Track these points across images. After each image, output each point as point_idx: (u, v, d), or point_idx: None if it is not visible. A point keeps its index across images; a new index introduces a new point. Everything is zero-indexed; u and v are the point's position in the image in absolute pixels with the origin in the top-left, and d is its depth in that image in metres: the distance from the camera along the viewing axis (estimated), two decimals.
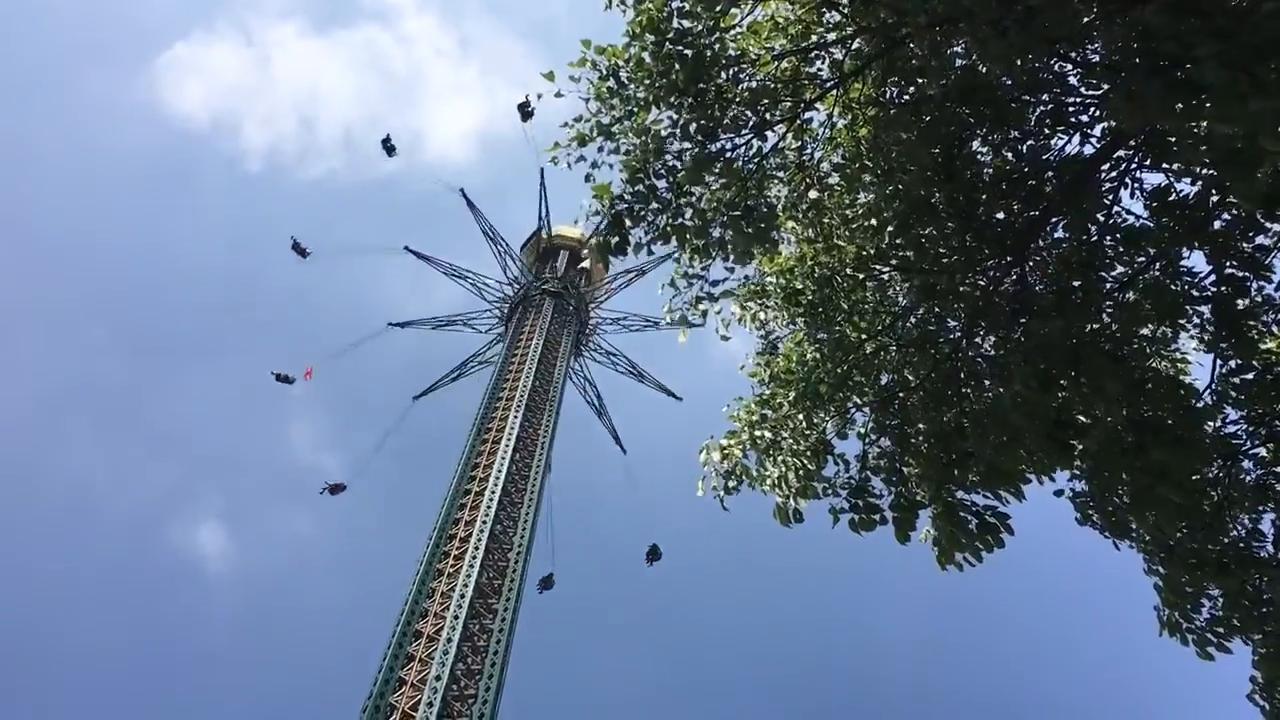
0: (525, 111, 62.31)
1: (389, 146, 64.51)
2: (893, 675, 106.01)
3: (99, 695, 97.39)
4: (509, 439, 42.77)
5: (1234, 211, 9.43)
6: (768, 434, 10.30)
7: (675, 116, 9.20)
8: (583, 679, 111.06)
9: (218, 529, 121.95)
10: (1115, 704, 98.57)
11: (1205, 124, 7.14)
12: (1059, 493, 10.26)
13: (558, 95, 9.32)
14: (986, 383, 10.30)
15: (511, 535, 39.12)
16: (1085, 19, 8.23)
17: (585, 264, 61.74)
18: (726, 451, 10.36)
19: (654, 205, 9.30)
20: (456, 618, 33.91)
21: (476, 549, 36.78)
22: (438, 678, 31.52)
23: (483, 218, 65.53)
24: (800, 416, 10.31)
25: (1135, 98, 7.00)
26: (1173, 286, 9.75)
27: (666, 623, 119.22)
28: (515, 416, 44.19)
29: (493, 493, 39.53)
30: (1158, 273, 10.05)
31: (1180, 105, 6.69)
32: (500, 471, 40.74)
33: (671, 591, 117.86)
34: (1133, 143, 10.05)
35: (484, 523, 37.94)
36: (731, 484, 10.33)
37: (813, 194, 10.34)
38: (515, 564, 37.71)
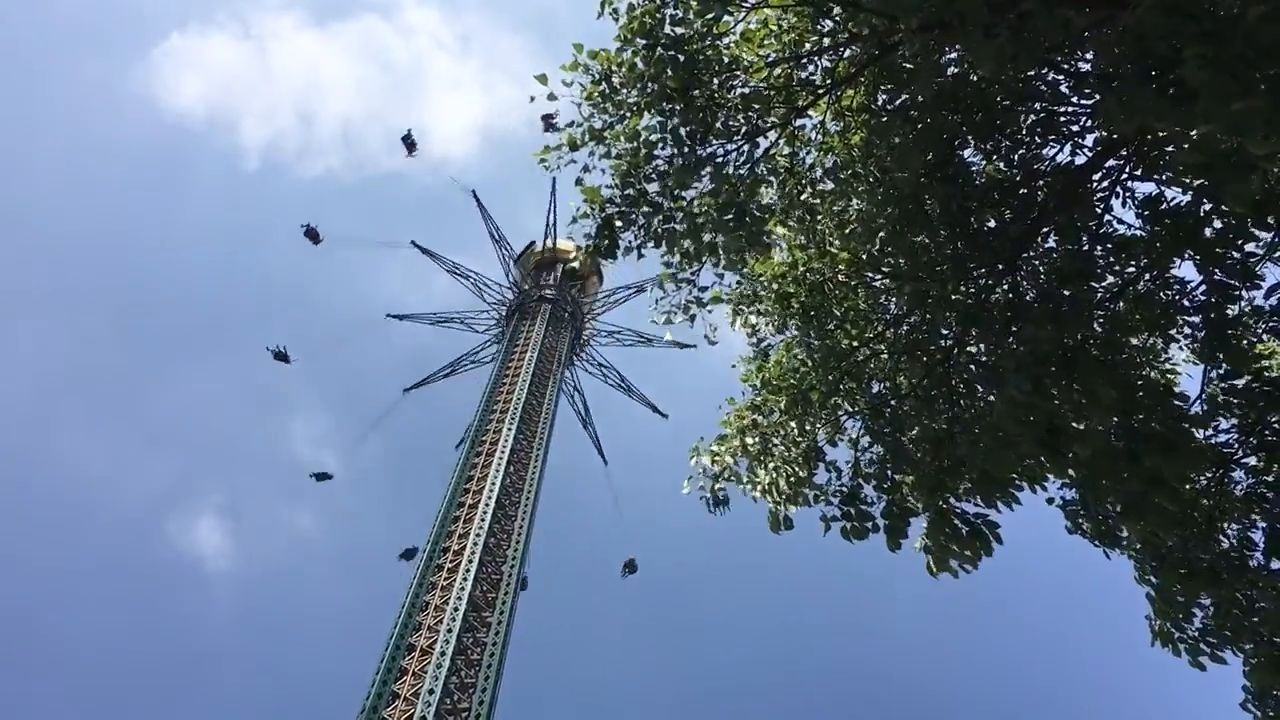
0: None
1: (409, 142, 62.60)
2: (897, 677, 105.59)
3: (93, 692, 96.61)
4: (503, 451, 42.69)
5: (1224, 220, 9.45)
6: (759, 439, 10.27)
7: (667, 121, 9.20)
8: (583, 686, 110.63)
9: (216, 524, 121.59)
10: (1116, 709, 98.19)
11: (1196, 130, 7.17)
12: (1050, 500, 10.25)
13: (550, 98, 9.29)
14: (979, 389, 10.29)
15: (505, 548, 38.99)
16: (1077, 27, 8.28)
17: (575, 263, 61.79)
18: (717, 456, 10.33)
19: (644, 209, 9.30)
20: (450, 631, 33.77)
21: (470, 562, 36.67)
22: (431, 691, 31.37)
23: (491, 221, 65.99)
24: (792, 423, 10.28)
25: (1127, 102, 7.04)
26: (1163, 296, 9.76)
27: (668, 628, 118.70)
28: (509, 429, 44.11)
29: (486, 505, 39.45)
30: (1148, 282, 10.07)
31: (1171, 109, 6.72)
32: (494, 484, 40.64)
33: (673, 596, 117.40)
34: (1124, 152, 10.09)
35: (478, 535, 37.83)
36: (719, 488, 10.30)
37: (805, 197, 10.34)
38: (509, 576, 37.59)
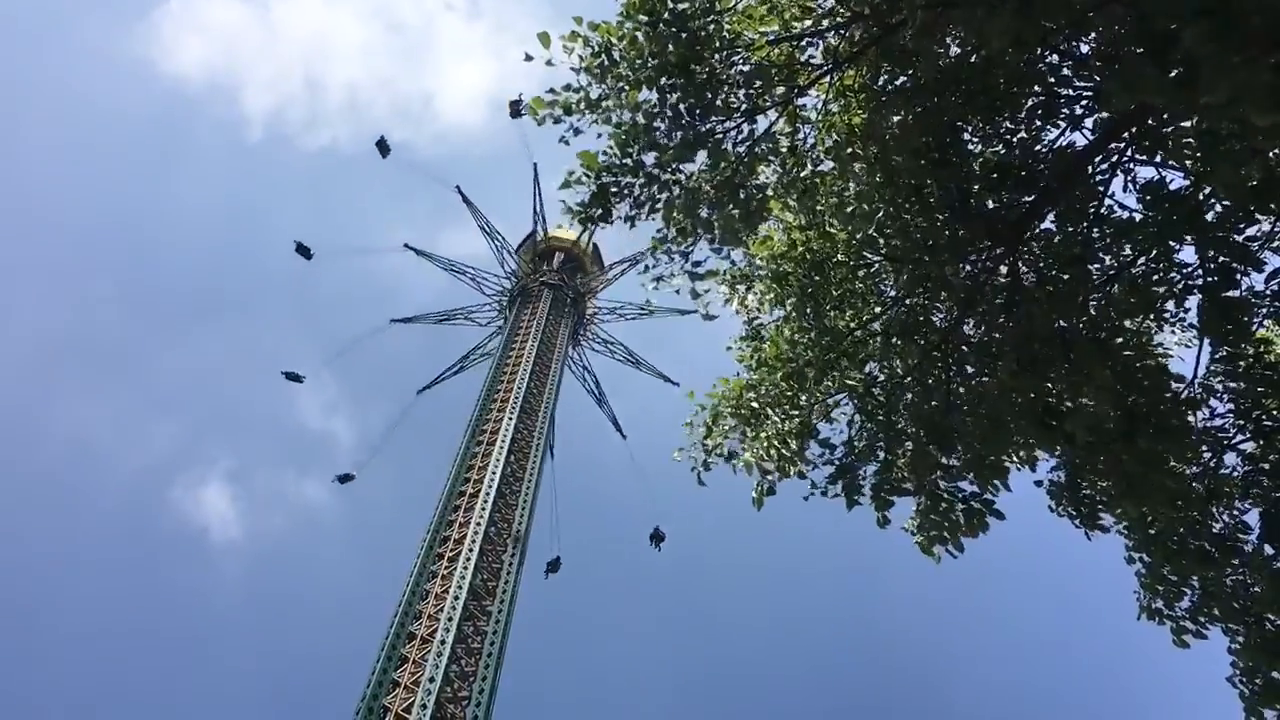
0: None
1: (384, 148, 63.16)
2: (904, 671, 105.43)
3: (93, 664, 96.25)
4: (504, 440, 42.73)
5: (1225, 204, 9.46)
6: (754, 405, 10.30)
7: (666, 96, 9.16)
8: (584, 676, 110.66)
9: (221, 492, 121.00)
10: (1118, 693, 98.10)
11: (1198, 106, 7.15)
12: (1039, 483, 10.31)
13: (549, 64, 9.26)
14: (970, 369, 10.32)
15: (506, 536, 39.08)
16: (1079, 7, 8.27)
17: (571, 236, 61.58)
18: (710, 426, 10.37)
19: (640, 180, 9.28)
20: (450, 619, 33.81)
21: (471, 550, 36.73)
22: (431, 679, 31.41)
23: (480, 215, 65.50)
24: (787, 396, 10.32)
25: (1127, 79, 7.04)
26: (1161, 278, 9.77)
27: (676, 613, 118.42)
28: (510, 418, 44.12)
29: (487, 494, 39.49)
30: (1146, 266, 10.09)
31: (1172, 87, 6.72)
32: (495, 473, 40.69)
33: (683, 580, 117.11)
34: (1125, 135, 10.09)
35: (478, 524, 37.88)
36: (711, 461, 10.35)
37: (804, 174, 10.30)
38: (510, 565, 37.67)
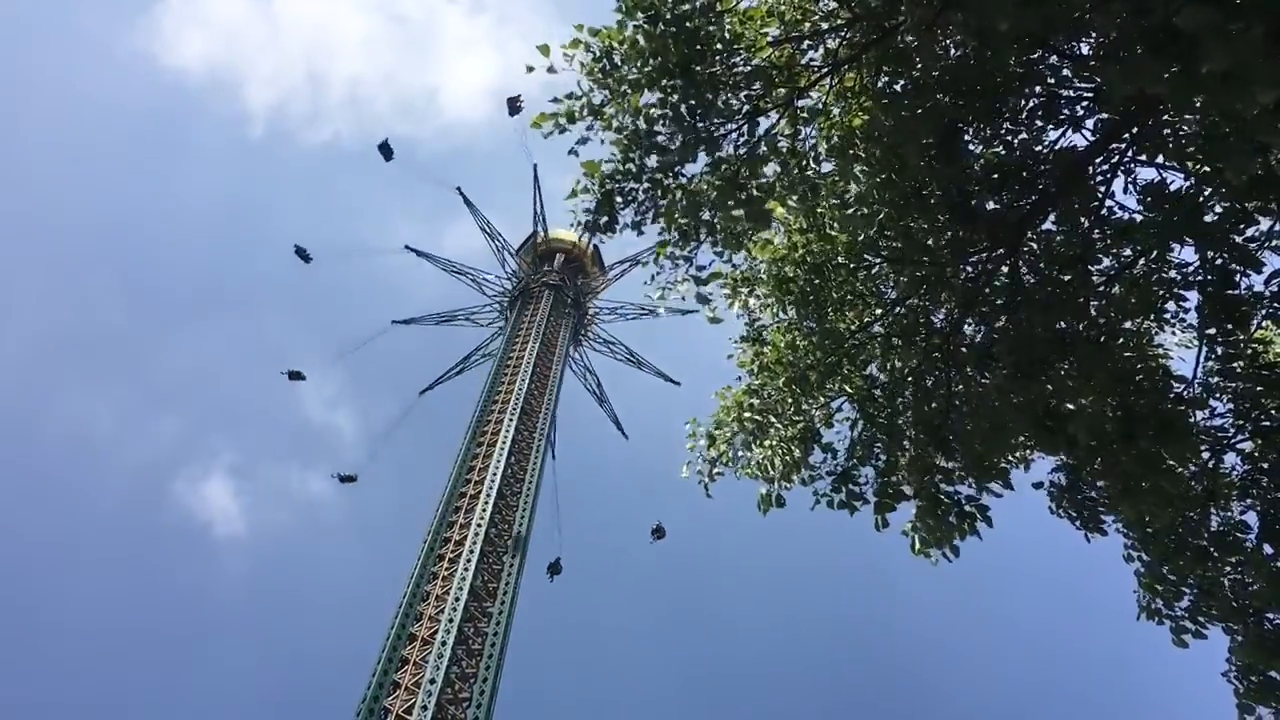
0: (514, 107, 60.89)
1: (387, 151, 62.70)
2: (906, 671, 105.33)
3: (95, 659, 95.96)
4: (504, 441, 42.76)
5: (1225, 205, 9.47)
6: (756, 417, 10.31)
7: (667, 97, 9.16)
8: (585, 678, 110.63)
9: (223, 487, 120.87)
10: (1118, 692, 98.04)
11: (1197, 93, 7.12)
12: (1038, 485, 10.33)
13: (550, 71, 9.27)
14: (970, 371, 10.33)
15: (506, 538, 39.11)
16: (1080, 9, 8.28)
17: (572, 239, 61.72)
18: (714, 436, 10.38)
19: (644, 184, 9.28)
20: (451, 621, 33.86)
21: (471, 551, 36.78)
22: (432, 681, 31.47)
23: (480, 215, 65.77)
24: (789, 401, 10.34)
25: (1127, 68, 7.04)
26: (1162, 276, 9.79)
27: (676, 614, 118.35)
28: (511, 419, 44.17)
29: (488, 495, 39.53)
30: (1146, 266, 10.10)
31: (1170, 70, 6.70)
32: (495, 474, 40.72)
33: (678, 587, 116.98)
34: (1126, 136, 10.10)
35: (479, 525, 37.93)
36: (717, 471, 10.36)
37: (808, 171, 10.29)
38: (510, 567, 37.69)
